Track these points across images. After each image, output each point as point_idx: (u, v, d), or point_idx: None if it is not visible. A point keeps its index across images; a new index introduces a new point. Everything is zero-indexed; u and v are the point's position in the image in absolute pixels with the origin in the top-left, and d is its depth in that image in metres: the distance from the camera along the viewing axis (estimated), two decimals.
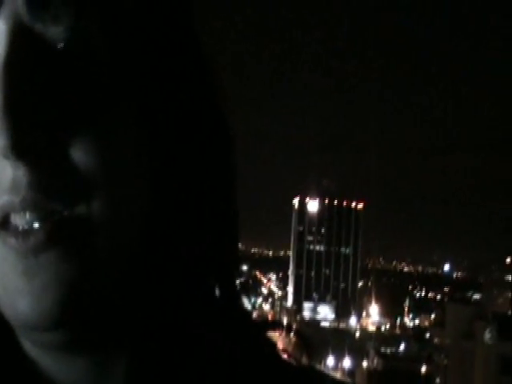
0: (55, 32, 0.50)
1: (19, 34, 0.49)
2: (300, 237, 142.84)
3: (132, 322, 0.58)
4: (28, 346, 0.58)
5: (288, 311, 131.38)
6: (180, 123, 0.57)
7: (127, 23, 0.53)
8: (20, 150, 0.48)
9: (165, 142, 0.57)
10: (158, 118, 0.56)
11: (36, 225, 0.50)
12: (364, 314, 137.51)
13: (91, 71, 0.51)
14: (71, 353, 0.56)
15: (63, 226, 0.51)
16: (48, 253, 0.50)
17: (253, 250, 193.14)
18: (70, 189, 0.50)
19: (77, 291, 0.51)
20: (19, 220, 0.50)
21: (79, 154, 0.50)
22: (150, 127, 0.55)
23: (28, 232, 0.50)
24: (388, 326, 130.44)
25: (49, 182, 0.50)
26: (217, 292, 0.61)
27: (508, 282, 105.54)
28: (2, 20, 0.50)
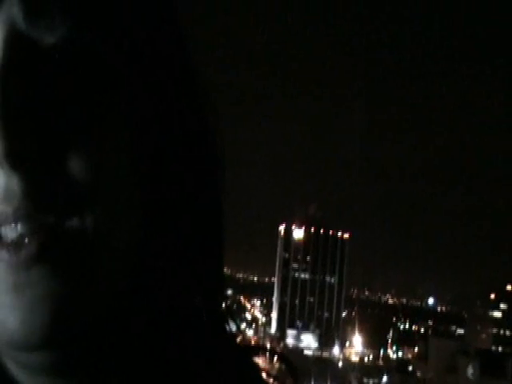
0: (51, 40, 0.50)
1: (14, 40, 0.49)
2: (285, 264, 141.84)
3: (120, 342, 0.57)
4: (14, 369, 0.56)
5: (271, 338, 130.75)
6: (173, 139, 0.58)
7: (122, 35, 0.54)
8: (14, 158, 0.47)
9: (158, 157, 0.57)
10: (152, 132, 0.56)
11: (28, 237, 0.49)
12: (347, 343, 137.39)
13: (86, 80, 0.51)
14: (58, 376, 0.54)
15: (56, 239, 0.49)
16: (40, 266, 0.49)
17: (238, 275, 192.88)
18: (64, 200, 0.49)
19: (68, 308, 0.50)
20: (10, 232, 0.49)
21: (74, 165, 0.49)
22: (144, 142, 0.55)
23: (20, 244, 0.49)
24: (371, 357, 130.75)
25: (43, 192, 0.49)
26: (204, 315, 0.60)
27: (492, 317, 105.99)
28: None
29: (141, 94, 0.55)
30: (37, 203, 0.49)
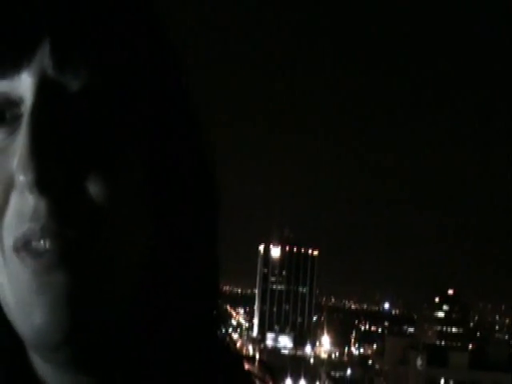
0: (75, 84, 0.59)
1: (45, 86, 0.58)
2: (264, 277, 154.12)
3: (129, 345, 0.63)
4: (38, 363, 0.63)
5: (253, 340, 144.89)
6: (177, 178, 0.66)
7: (136, 80, 0.62)
8: (43, 186, 0.56)
9: (163, 190, 0.65)
10: (159, 167, 0.64)
11: (52, 248, 0.57)
12: (317, 343, 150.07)
13: (103, 119, 0.60)
14: (79, 370, 0.61)
15: (75, 250, 0.58)
16: (59, 272, 0.57)
17: (225, 288, 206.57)
18: (84, 218, 0.58)
19: (86, 309, 0.58)
20: (37, 244, 0.57)
21: (93, 189, 0.58)
22: (151, 174, 0.63)
23: (43, 253, 0.57)
24: (337, 354, 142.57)
25: (66, 212, 0.58)
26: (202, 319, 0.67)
27: (436, 317, 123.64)
28: (31, 74, 0.59)
29: (153, 139, 0.64)
30: (61, 221, 0.57)
